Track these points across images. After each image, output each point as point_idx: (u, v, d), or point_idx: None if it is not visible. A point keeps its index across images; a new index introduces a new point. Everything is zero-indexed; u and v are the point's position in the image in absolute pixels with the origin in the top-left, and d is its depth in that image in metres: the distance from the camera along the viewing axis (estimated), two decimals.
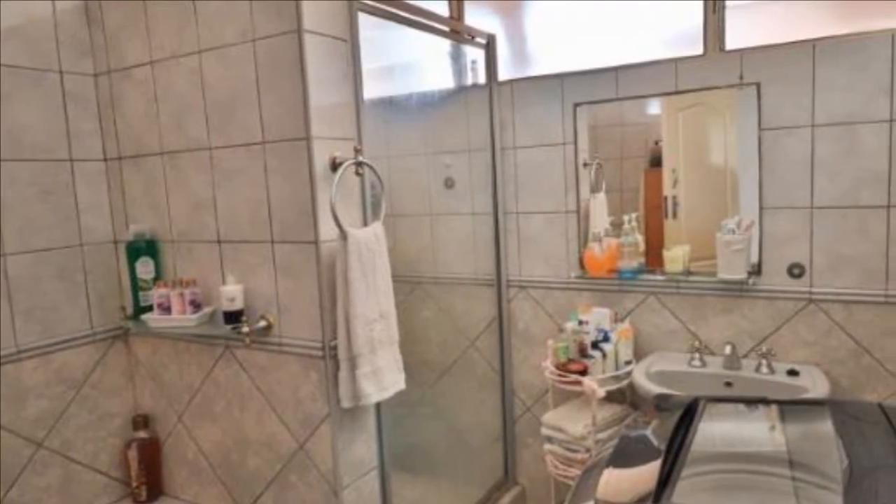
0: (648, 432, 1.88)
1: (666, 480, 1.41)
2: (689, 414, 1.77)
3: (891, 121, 2.63)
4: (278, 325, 2.56)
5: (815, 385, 2.66)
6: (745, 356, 2.98)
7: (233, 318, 2.57)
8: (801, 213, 2.82)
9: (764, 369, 2.83)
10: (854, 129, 2.69)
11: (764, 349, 2.86)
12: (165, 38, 2.67)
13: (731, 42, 2.91)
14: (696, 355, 2.98)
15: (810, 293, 2.85)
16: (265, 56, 2.41)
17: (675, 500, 1.35)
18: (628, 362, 3.07)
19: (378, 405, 2.65)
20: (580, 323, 3.08)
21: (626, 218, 3.17)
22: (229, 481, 2.85)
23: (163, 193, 2.80)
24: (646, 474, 1.51)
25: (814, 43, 2.73)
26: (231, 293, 2.58)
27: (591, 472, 1.73)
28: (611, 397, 3.03)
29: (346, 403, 2.44)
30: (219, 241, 2.68)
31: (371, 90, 2.62)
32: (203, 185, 2.67)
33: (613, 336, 3.04)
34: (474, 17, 3.48)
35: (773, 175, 2.86)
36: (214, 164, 2.62)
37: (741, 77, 2.87)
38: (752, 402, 2.02)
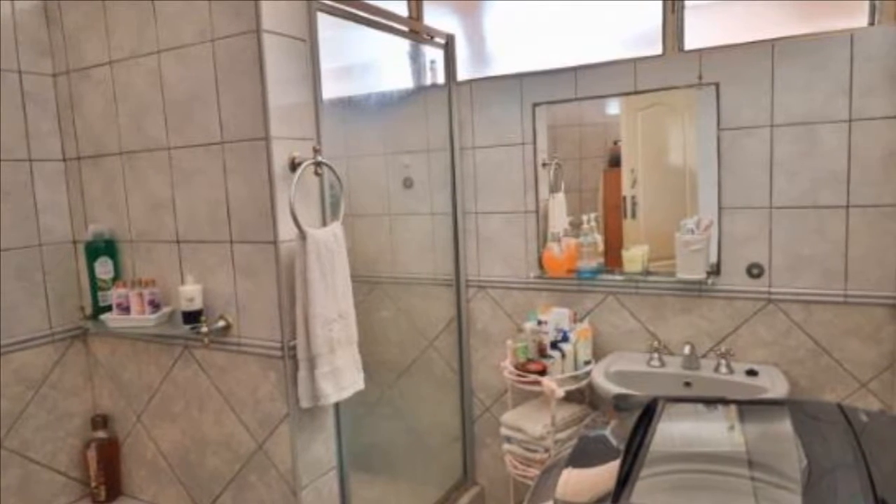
0: (607, 432, 1.89)
1: (625, 480, 1.42)
2: (647, 414, 1.78)
3: (849, 121, 2.66)
4: (237, 325, 2.56)
5: (773, 385, 2.69)
6: (704, 356, 3.00)
7: (192, 318, 2.57)
8: (760, 213, 2.86)
9: (723, 369, 2.85)
10: (813, 129, 2.72)
11: (723, 349, 2.89)
12: (124, 38, 2.66)
13: (690, 42, 2.94)
14: (655, 355, 3.00)
15: (769, 293, 2.88)
16: (224, 56, 2.40)
17: (634, 499, 1.36)
18: (587, 362, 3.08)
19: (337, 405, 2.65)
20: (539, 323, 3.09)
21: (585, 218, 3.19)
22: (188, 481, 2.84)
23: (122, 193, 2.79)
24: (605, 474, 1.52)
25: (773, 43, 2.76)
26: (190, 293, 2.57)
27: (550, 472, 1.74)
28: (570, 397, 3.05)
29: (305, 403, 2.44)
30: (178, 242, 2.67)
31: (330, 90, 2.62)
32: (162, 185, 2.66)
33: (572, 336, 3.05)
34: (433, 17, 3.49)
35: (732, 175, 2.89)
36: (173, 164, 2.62)
37: (700, 77, 2.89)
38: (711, 402, 2.03)
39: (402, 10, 3.44)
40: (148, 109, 2.64)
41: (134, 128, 2.70)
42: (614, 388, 2.77)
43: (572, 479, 1.64)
